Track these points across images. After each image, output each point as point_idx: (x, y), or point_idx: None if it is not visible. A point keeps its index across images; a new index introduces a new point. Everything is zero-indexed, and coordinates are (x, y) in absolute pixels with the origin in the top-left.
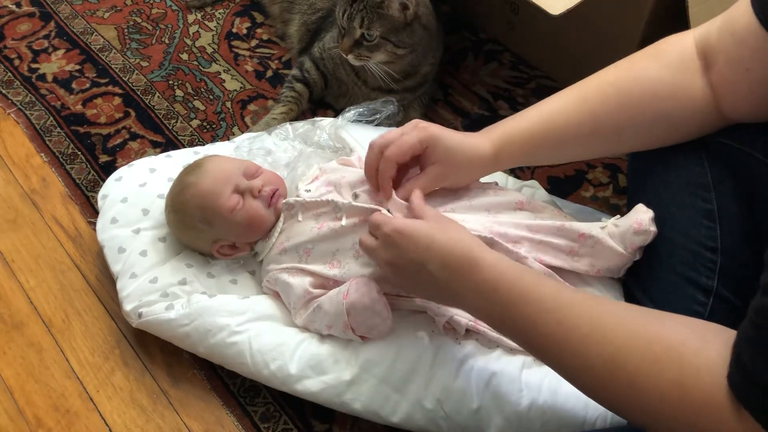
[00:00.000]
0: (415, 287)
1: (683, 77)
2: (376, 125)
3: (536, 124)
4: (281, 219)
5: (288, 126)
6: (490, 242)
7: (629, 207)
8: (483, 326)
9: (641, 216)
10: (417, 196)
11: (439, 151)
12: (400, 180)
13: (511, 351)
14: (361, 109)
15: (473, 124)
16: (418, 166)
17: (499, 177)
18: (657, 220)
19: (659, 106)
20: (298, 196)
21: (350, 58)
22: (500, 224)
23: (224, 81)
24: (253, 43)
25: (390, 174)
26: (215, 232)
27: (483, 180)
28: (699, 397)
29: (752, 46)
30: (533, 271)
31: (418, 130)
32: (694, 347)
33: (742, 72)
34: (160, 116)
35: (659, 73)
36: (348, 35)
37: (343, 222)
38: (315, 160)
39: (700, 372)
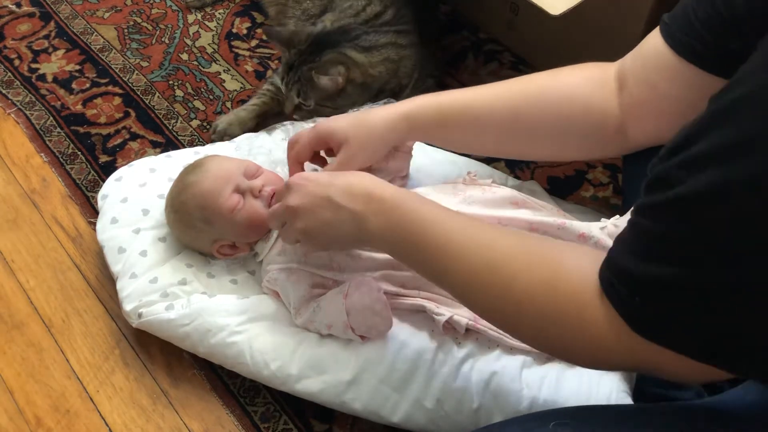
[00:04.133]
0: (325, 229)
1: (600, 93)
2: None
3: (455, 100)
4: None
5: (289, 126)
6: None
7: (625, 208)
8: (483, 325)
9: None
10: None
11: (337, 137)
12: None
13: (510, 350)
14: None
15: None
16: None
17: (498, 177)
18: None
19: (574, 115)
20: None
21: (296, 116)
22: (499, 221)
23: (224, 81)
24: (253, 43)
25: (296, 170)
26: (215, 231)
27: (480, 177)
28: (566, 295)
29: (659, 64)
30: (431, 201)
31: (312, 129)
32: (569, 255)
33: (649, 89)
34: (160, 116)
35: (580, 83)
36: (288, 101)
37: None
38: None
39: (570, 274)
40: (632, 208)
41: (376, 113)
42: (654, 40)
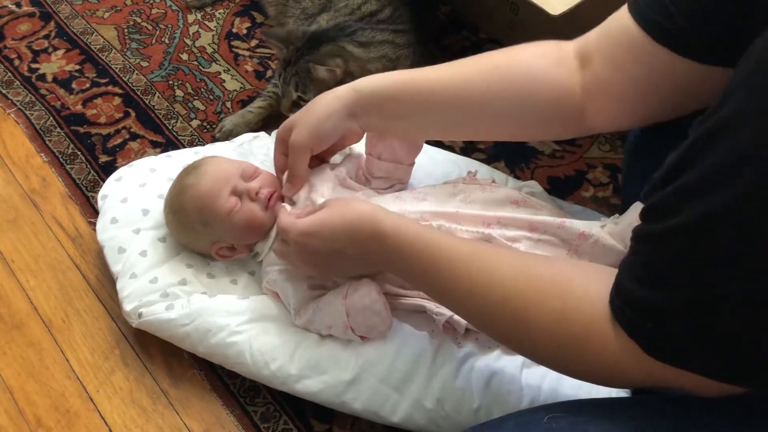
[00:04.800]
0: (344, 272)
1: (558, 69)
2: None
3: (407, 74)
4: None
5: None
6: (487, 238)
7: (624, 206)
8: None
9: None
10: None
11: (288, 127)
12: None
13: (511, 351)
14: None
15: None
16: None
17: (498, 177)
18: None
19: (531, 88)
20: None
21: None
22: (499, 221)
23: (224, 81)
24: (253, 43)
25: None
26: (214, 234)
27: (480, 177)
28: (579, 323)
29: (626, 43)
30: (429, 230)
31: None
32: (578, 282)
33: (614, 69)
34: (160, 116)
35: (536, 59)
36: (286, 97)
37: None
38: None
39: (581, 302)
40: (633, 236)
41: (326, 93)
42: (621, 17)
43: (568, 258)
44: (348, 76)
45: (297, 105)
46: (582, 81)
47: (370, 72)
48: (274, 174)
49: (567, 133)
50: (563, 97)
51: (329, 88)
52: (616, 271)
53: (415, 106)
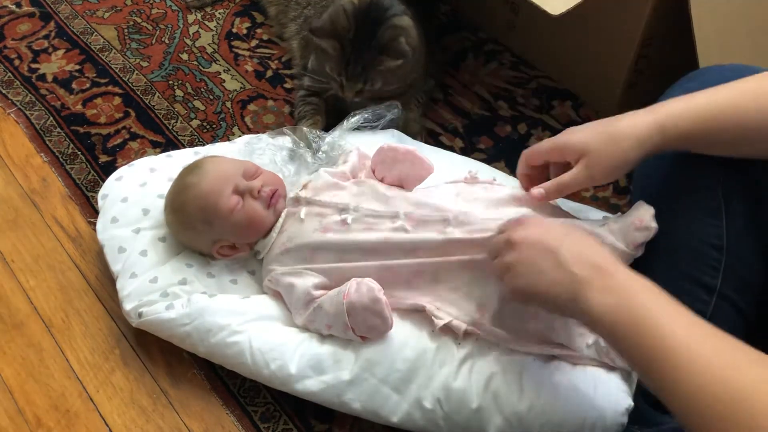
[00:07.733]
0: (534, 276)
1: None
2: (381, 128)
3: (709, 101)
4: (282, 215)
5: (288, 130)
6: (488, 239)
7: (630, 204)
8: (483, 330)
9: (642, 213)
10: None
11: (576, 148)
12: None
13: (510, 351)
14: (366, 114)
15: (473, 124)
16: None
17: (499, 177)
18: (660, 216)
19: None
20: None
21: (357, 98)
22: (501, 221)
23: (224, 81)
24: (253, 43)
25: (521, 170)
26: (215, 232)
27: (481, 177)
28: None
29: None
30: (663, 294)
31: (552, 139)
32: None
33: None
34: (160, 116)
35: None
36: (348, 89)
37: (349, 220)
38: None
39: None
40: None
41: (621, 123)
42: None
43: None
44: (412, 55)
45: (361, 92)
46: None
47: (416, 39)
48: (276, 174)
49: None
50: None
51: (395, 75)
52: None
53: (722, 142)
